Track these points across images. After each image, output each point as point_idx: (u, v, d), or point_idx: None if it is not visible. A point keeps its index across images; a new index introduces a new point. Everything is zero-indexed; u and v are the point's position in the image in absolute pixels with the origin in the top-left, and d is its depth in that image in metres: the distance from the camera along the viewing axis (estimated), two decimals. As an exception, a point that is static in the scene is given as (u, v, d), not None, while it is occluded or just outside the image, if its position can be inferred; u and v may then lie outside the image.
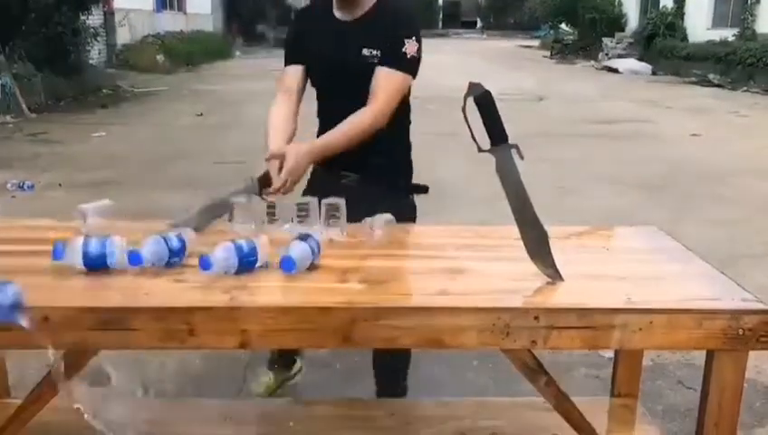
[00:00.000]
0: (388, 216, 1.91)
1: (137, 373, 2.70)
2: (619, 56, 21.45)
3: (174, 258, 1.63)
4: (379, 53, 2.12)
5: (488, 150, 1.63)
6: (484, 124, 1.61)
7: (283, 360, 2.62)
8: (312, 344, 1.88)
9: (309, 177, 2.17)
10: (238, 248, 1.59)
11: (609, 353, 2.56)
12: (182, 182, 6.15)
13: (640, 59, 20.70)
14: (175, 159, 7.23)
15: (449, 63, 14.49)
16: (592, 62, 22.32)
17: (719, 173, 6.94)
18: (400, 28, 2.15)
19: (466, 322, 1.47)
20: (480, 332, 1.46)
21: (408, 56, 2.13)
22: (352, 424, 2.12)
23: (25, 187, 5.91)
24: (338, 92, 2.21)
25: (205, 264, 1.56)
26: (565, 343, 1.50)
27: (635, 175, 6.76)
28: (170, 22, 21.94)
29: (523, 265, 1.64)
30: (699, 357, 1.72)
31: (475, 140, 1.61)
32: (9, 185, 5.94)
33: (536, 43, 31.68)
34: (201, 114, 10.43)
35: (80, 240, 1.58)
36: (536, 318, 1.46)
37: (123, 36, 18.19)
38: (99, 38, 15.52)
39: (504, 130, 1.63)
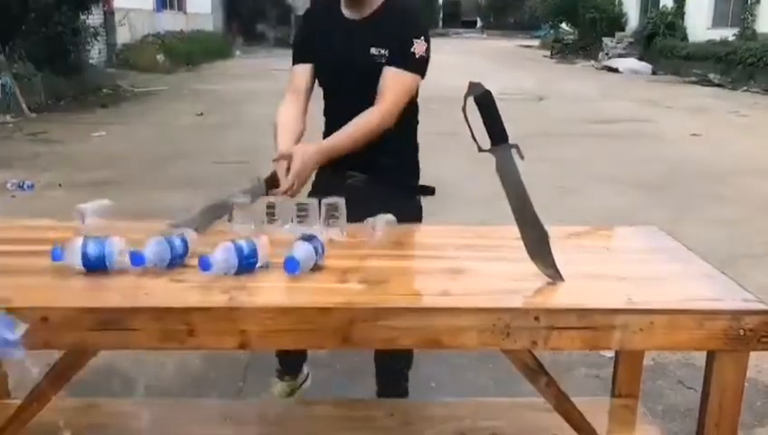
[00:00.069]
0: (390, 216, 1.90)
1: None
2: (620, 56, 21.45)
3: (176, 259, 1.63)
4: (387, 52, 2.11)
5: (488, 150, 1.62)
6: (485, 124, 1.61)
7: (291, 369, 2.60)
8: (312, 345, 1.88)
9: (315, 177, 2.16)
10: (238, 249, 1.59)
11: (610, 353, 2.55)
12: (182, 182, 6.15)
13: (640, 58, 20.71)
14: (175, 159, 7.23)
15: (449, 63, 14.47)
16: (592, 62, 22.32)
17: (719, 173, 6.94)
18: (409, 28, 2.14)
19: (466, 322, 1.46)
20: (480, 332, 1.46)
21: (417, 56, 2.12)
22: (352, 424, 2.11)
23: (25, 186, 5.91)
24: (345, 92, 2.20)
25: (204, 264, 1.56)
26: (565, 344, 1.50)
27: (635, 175, 6.76)
28: (170, 21, 21.94)
29: (524, 266, 1.64)
30: (699, 357, 1.72)
31: (475, 139, 1.61)
32: (9, 184, 5.94)
33: (536, 42, 31.69)
34: (201, 114, 10.43)
35: (79, 241, 1.58)
36: (536, 319, 1.46)
37: (123, 36, 18.20)
38: (99, 38, 15.53)
39: (504, 130, 1.62)
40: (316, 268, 1.63)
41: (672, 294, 1.60)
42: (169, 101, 12.36)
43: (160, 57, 18.05)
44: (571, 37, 26.53)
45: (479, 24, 50.75)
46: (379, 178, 2.18)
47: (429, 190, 2.29)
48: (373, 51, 2.12)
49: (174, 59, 18.55)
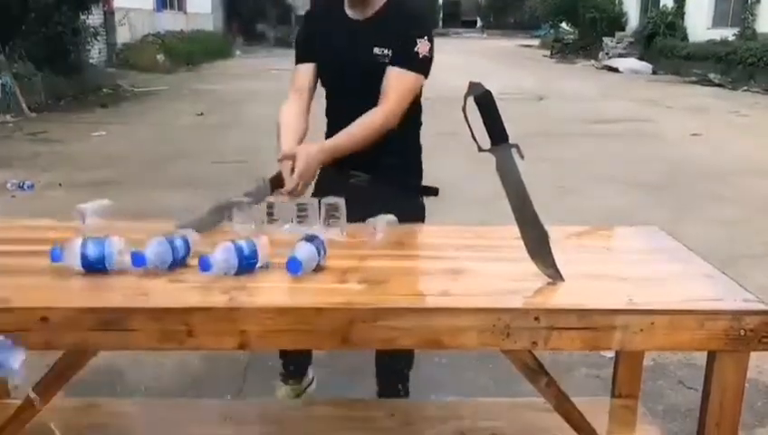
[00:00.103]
0: (391, 216, 1.90)
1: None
2: (620, 55, 21.45)
3: (178, 260, 1.62)
4: (390, 52, 2.11)
5: (488, 150, 1.62)
6: (485, 124, 1.61)
7: (295, 372, 2.59)
8: (311, 345, 1.88)
9: (318, 177, 2.15)
10: (238, 249, 1.58)
11: (610, 353, 2.55)
12: (182, 182, 6.15)
13: (641, 58, 20.71)
14: (175, 159, 7.23)
15: (449, 63, 14.45)
16: (592, 62, 22.32)
17: (719, 173, 6.93)
18: (412, 27, 2.14)
19: (466, 322, 1.46)
20: (480, 332, 1.46)
21: (420, 56, 2.12)
22: (352, 425, 2.11)
23: (25, 186, 5.91)
24: (348, 91, 2.20)
25: (204, 264, 1.56)
26: (566, 344, 1.49)
27: (635, 174, 6.76)
28: (170, 21, 21.94)
29: (524, 266, 1.63)
30: (700, 357, 1.72)
31: (475, 139, 1.60)
32: (9, 184, 5.94)
33: (536, 42, 31.68)
34: (201, 114, 10.43)
35: (78, 242, 1.57)
36: (537, 319, 1.45)
37: (123, 36, 18.19)
38: (99, 37, 15.53)
39: (504, 130, 1.62)
40: (318, 269, 1.63)
41: (673, 295, 1.60)
42: (169, 100, 12.36)
43: (160, 57, 18.04)
44: (572, 37, 26.53)
45: (479, 23, 50.74)
46: (383, 179, 2.18)
47: (433, 191, 2.28)
48: (376, 50, 2.12)
49: (174, 59, 18.55)
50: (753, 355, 1.52)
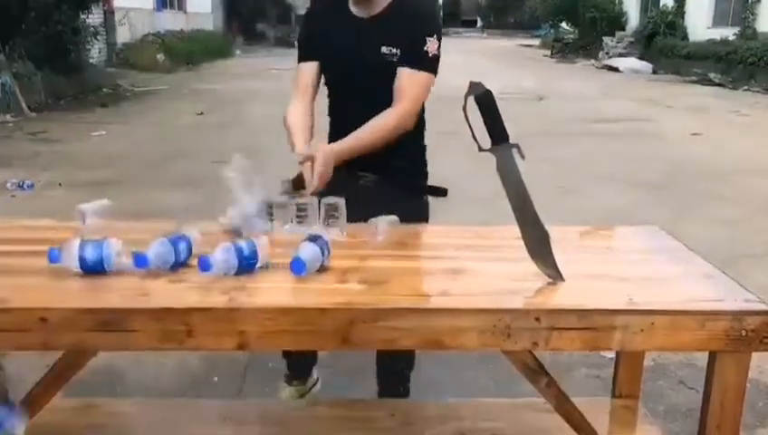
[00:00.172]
0: (393, 217, 1.90)
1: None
2: (620, 55, 21.45)
3: (180, 261, 1.62)
4: (398, 51, 2.10)
5: (489, 150, 1.62)
6: (485, 123, 1.60)
7: (300, 373, 2.59)
8: (311, 346, 1.88)
9: None
10: (238, 249, 1.58)
11: (611, 354, 2.55)
12: (182, 181, 6.15)
13: (641, 58, 20.71)
14: (175, 159, 7.23)
15: (450, 62, 14.42)
16: (593, 61, 22.32)
17: (720, 172, 6.93)
18: (421, 26, 2.13)
19: (467, 323, 1.46)
20: (481, 333, 1.45)
21: (430, 55, 2.11)
22: (353, 425, 2.11)
23: (25, 186, 5.90)
24: (352, 90, 2.19)
25: (204, 265, 1.55)
26: (566, 345, 1.49)
27: (635, 174, 6.75)
28: (170, 21, 21.93)
29: (524, 266, 1.63)
30: (700, 357, 1.72)
31: (475, 139, 1.60)
32: (9, 184, 5.93)
33: (537, 42, 31.69)
34: (201, 113, 10.43)
35: (75, 244, 1.56)
36: (537, 319, 1.45)
37: (123, 35, 18.18)
38: (99, 37, 15.52)
39: (504, 130, 1.62)
40: (321, 269, 1.63)
41: (673, 295, 1.59)
42: (169, 100, 12.35)
43: (160, 56, 18.04)
44: (572, 36, 26.53)
45: (479, 23, 50.77)
46: (390, 179, 2.17)
47: (441, 191, 2.26)
48: (384, 50, 2.10)
49: (174, 58, 18.54)
50: (754, 355, 1.51)
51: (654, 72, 19.37)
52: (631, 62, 20.08)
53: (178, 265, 1.61)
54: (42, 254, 1.62)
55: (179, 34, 21.19)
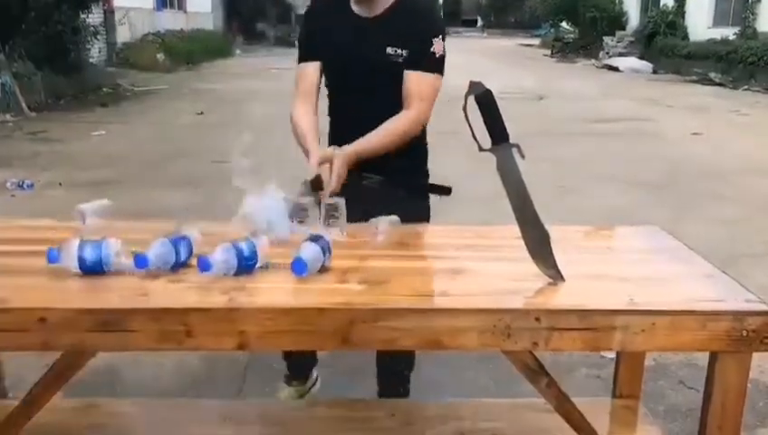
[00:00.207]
0: (394, 217, 1.89)
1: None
2: (620, 55, 21.44)
3: (180, 262, 1.61)
4: (404, 52, 2.10)
5: (489, 149, 1.61)
6: (485, 123, 1.60)
7: (299, 373, 2.59)
8: (311, 346, 1.87)
9: None
10: (238, 250, 1.58)
11: (611, 354, 2.54)
12: (182, 181, 6.15)
13: (641, 57, 20.70)
14: (175, 158, 7.22)
15: (450, 62, 14.36)
16: (593, 61, 22.31)
17: (720, 172, 6.93)
18: (428, 27, 2.14)
19: (467, 323, 1.45)
20: (481, 333, 1.45)
21: (437, 56, 2.12)
22: (353, 425, 2.11)
23: (25, 186, 5.90)
24: (354, 89, 2.18)
25: (204, 265, 1.55)
26: (566, 345, 1.49)
27: (636, 174, 6.75)
28: (170, 20, 21.92)
29: (524, 266, 1.63)
30: (701, 357, 1.71)
31: (475, 139, 1.60)
32: (9, 184, 5.93)
33: (537, 41, 31.69)
34: (201, 113, 10.42)
35: (74, 244, 1.56)
36: (537, 319, 1.45)
37: (123, 35, 18.18)
38: (99, 36, 15.51)
39: (504, 130, 1.61)
40: (322, 269, 1.62)
41: (674, 295, 1.59)
42: (169, 99, 12.35)
43: (160, 56, 18.03)
44: (572, 36, 26.52)
45: (479, 22, 50.75)
46: (394, 180, 2.17)
47: (446, 190, 2.26)
48: (389, 50, 2.11)
49: (174, 58, 18.53)
50: (755, 355, 1.51)
51: (654, 71, 19.36)
52: (631, 62, 20.07)
53: (179, 266, 1.61)
54: (41, 254, 1.61)
55: (179, 34, 21.18)
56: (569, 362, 2.92)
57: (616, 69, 19.68)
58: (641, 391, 2.19)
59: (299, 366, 2.58)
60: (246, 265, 1.58)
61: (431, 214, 2.32)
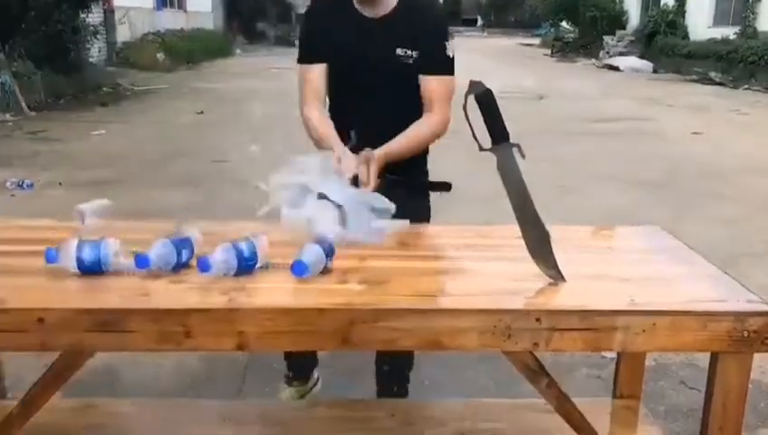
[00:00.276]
0: (404, 222, 1.89)
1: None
2: (620, 54, 21.44)
3: (182, 262, 1.60)
4: (414, 53, 2.11)
5: (489, 149, 1.61)
6: (486, 123, 1.60)
7: (300, 374, 2.58)
8: (311, 346, 1.87)
9: None
10: (238, 250, 1.57)
11: (612, 354, 2.54)
12: (182, 180, 6.14)
13: (641, 57, 20.70)
14: (175, 158, 7.22)
15: (450, 61, 14.39)
16: (593, 60, 22.31)
17: (720, 171, 6.92)
18: (439, 30, 2.17)
19: (467, 323, 1.45)
20: (481, 333, 1.44)
21: (450, 57, 2.17)
22: (352, 425, 2.10)
23: (25, 185, 5.89)
24: (358, 89, 2.17)
25: (203, 265, 1.54)
26: (567, 345, 1.48)
27: (636, 173, 6.74)
28: (170, 20, 21.91)
29: (525, 266, 1.62)
30: (702, 357, 1.71)
31: (476, 138, 1.59)
32: (8, 183, 5.92)
33: (537, 41, 31.69)
34: (201, 112, 10.41)
35: (73, 245, 1.55)
36: (538, 320, 1.44)
37: (123, 34, 18.17)
38: (99, 36, 15.50)
39: (505, 129, 1.61)
40: (324, 271, 1.61)
41: (675, 296, 1.59)
42: (169, 99, 12.34)
43: (160, 55, 18.02)
44: (572, 36, 26.52)
45: (480, 22, 50.75)
46: (398, 179, 2.16)
47: (446, 186, 2.25)
48: (399, 51, 2.11)
49: (174, 57, 18.52)
50: (756, 356, 1.50)
51: (654, 71, 19.36)
52: (632, 61, 20.07)
53: (180, 267, 1.60)
54: (40, 254, 1.61)
55: (179, 33, 21.16)
56: (569, 362, 2.91)
57: (616, 68, 19.67)
58: (642, 391, 2.19)
59: (300, 366, 2.57)
60: (246, 265, 1.57)
61: (431, 214, 2.32)
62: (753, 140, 8.82)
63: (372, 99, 2.12)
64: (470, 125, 1.58)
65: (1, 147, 7.82)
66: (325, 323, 1.44)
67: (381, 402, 2.37)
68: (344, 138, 2.09)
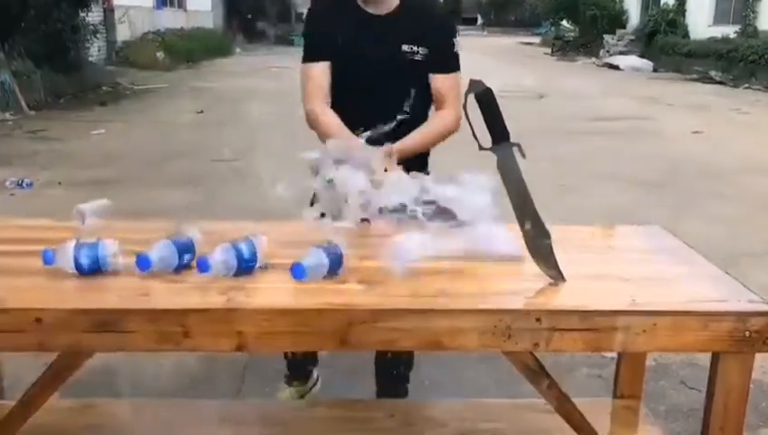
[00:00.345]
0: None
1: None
2: (620, 53, 21.43)
3: (183, 264, 1.59)
4: (421, 50, 2.13)
5: (489, 148, 1.60)
6: (486, 122, 1.59)
7: (300, 374, 2.58)
8: (310, 347, 1.86)
9: None
10: (237, 250, 1.56)
11: (612, 353, 2.53)
12: (182, 180, 6.13)
13: (641, 56, 20.69)
14: (175, 157, 7.21)
15: (450, 60, 14.37)
16: (593, 59, 22.30)
17: (720, 171, 6.92)
18: (446, 27, 2.22)
19: (467, 324, 1.44)
20: (481, 334, 1.44)
21: (457, 53, 2.21)
22: (352, 425, 2.10)
23: (24, 184, 5.89)
24: (362, 86, 2.16)
25: (203, 265, 1.53)
26: (567, 346, 1.48)
27: (636, 172, 6.74)
28: (170, 19, 21.90)
29: (525, 266, 1.62)
30: (702, 357, 1.70)
31: (476, 137, 1.59)
32: (8, 183, 5.92)
33: (537, 40, 31.68)
34: (201, 111, 10.40)
35: (71, 246, 1.55)
36: (538, 320, 1.44)
37: (123, 33, 18.16)
38: (98, 35, 15.49)
39: (505, 128, 1.60)
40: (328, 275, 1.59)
41: (676, 296, 1.58)
42: (169, 98, 12.33)
43: (160, 55, 18.01)
44: (572, 34, 26.51)
45: (480, 21, 50.71)
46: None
47: None
48: (405, 48, 2.13)
49: (174, 56, 18.50)
50: (758, 356, 1.49)
51: (655, 70, 19.35)
52: (632, 60, 20.06)
53: (180, 268, 1.59)
54: (38, 254, 1.60)
55: (179, 32, 21.14)
56: (569, 361, 2.91)
57: (616, 67, 19.67)
58: (642, 391, 2.18)
59: (299, 366, 2.57)
60: (246, 265, 1.57)
61: None
62: (754, 140, 8.82)
63: (375, 95, 2.12)
64: (470, 124, 1.57)
65: (1, 146, 7.81)
66: (324, 323, 1.43)
67: (381, 402, 2.37)
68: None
